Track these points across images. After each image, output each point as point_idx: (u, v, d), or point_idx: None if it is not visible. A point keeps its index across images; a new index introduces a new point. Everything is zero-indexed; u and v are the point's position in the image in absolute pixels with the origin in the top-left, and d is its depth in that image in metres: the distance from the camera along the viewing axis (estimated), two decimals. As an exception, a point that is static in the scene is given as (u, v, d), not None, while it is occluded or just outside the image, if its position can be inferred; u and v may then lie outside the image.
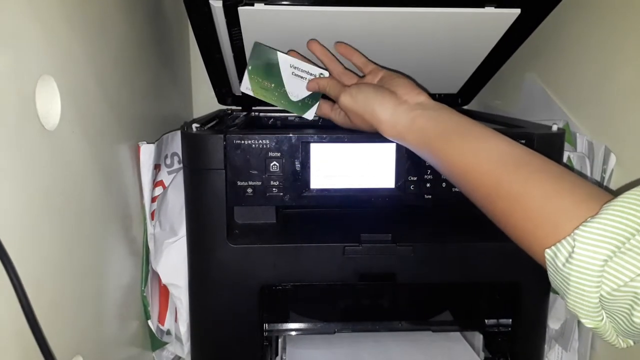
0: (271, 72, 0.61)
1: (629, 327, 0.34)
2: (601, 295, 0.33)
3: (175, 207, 0.61)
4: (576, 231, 0.34)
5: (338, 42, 0.62)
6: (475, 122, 0.46)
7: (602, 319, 0.35)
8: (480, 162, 0.43)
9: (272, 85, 0.61)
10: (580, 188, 0.38)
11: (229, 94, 0.81)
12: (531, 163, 0.41)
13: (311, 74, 0.60)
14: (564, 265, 0.34)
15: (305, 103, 0.61)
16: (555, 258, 0.35)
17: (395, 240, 0.55)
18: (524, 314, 0.59)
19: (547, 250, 0.36)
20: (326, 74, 0.60)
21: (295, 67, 0.60)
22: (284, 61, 0.60)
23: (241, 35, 0.63)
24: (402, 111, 0.49)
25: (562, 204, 0.37)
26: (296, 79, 0.61)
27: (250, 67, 0.61)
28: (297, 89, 0.61)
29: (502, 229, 0.42)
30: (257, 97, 0.61)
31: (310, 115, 0.62)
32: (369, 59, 0.60)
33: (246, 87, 0.61)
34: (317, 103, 0.61)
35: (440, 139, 0.46)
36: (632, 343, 0.36)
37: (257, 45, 0.61)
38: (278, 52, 0.60)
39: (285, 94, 0.61)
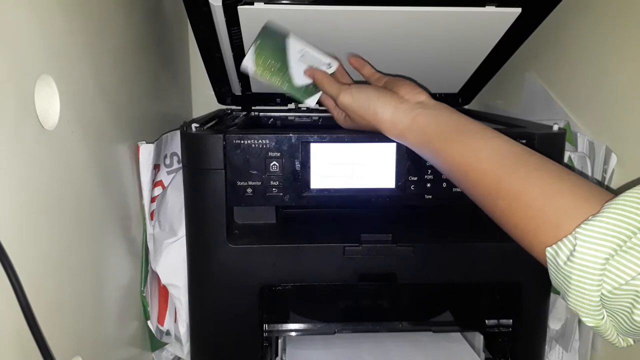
0: (279, 52, 0.58)
1: (630, 326, 0.33)
2: (602, 293, 0.33)
3: (174, 207, 0.61)
4: (577, 229, 0.34)
5: (351, 54, 0.62)
6: (476, 121, 0.46)
7: (603, 317, 0.35)
8: (481, 161, 0.43)
9: (278, 66, 0.58)
10: (581, 187, 0.37)
11: (229, 93, 0.81)
12: (531, 162, 0.41)
13: (320, 61, 0.59)
14: (565, 263, 0.34)
15: (308, 89, 0.59)
16: (556, 256, 0.35)
17: (395, 240, 0.55)
18: (525, 314, 0.59)
19: (548, 249, 0.36)
20: (335, 64, 0.59)
21: (304, 52, 0.59)
22: (294, 44, 0.58)
23: (241, 35, 0.63)
24: (402, 110, 0.49)
25: (563, 202, 0.37)
26: (303, 65, 0.59)
27: (257, 43, 0.58)
28: (302, 74, 0.59)
29: (502, 228, 0.42)
30: (258, 76, 0.58)
31: (312, 102, 0.59)
32: (377, 70, 0.60)
33: (248, 64, 0.58)
34: (321, 92, 0.59)
35: (441, 138, 0.46)
36: (632, 342, 0.36)
37: (269, 24, 0.58)
38: (290, 34, 0.58)
39: (289, 78, 0.59)
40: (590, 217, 0.34)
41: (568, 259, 0.34)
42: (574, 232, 0.34)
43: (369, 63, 0.61)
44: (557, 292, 0.64)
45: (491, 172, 0.42)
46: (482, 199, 0.43)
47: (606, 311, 0.35)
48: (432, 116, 0.47)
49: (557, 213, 0.37)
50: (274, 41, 0.59)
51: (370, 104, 0.51)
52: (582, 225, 0.34)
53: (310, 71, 0.59)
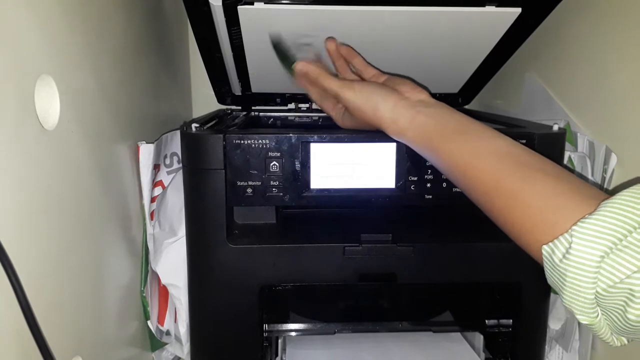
0: (286, 54, 0.61)
1: (623, 325, 0.34)
2: (597, 291, 0.33)
3: (174, 207, 0.61)
4: (574, 227, 0.34)
5: (342, 43, 0.62)
6: (476, 121, 0.46)
7: (597, 315, 0.35)
8: (481, 159, 0.43)
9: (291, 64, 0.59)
10: (579, 188, 0.38)
11: (229, 93, 0.81)
12: (531, 162, 0.41)
13: (299, 46, 0.60)
14: (560, 261, 0.34)
15: None
16: (552, 254, 0.35)
17: (395, 240, 0.55)
18: (525, 314, 0.59)
19: (545, 247, 0.36)
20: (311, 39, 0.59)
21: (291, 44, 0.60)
22: (284, 43, 0.61)
23: (241, 35, 0.63)
24: (403, 107, 0.49)
25: (561, 202, 0.37)
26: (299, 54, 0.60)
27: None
28: None
29: (500, 227, 0.42)
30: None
31: None
32: (369, 63, 0.60)
33: None
34: None
35: (440, 136, 0.46)
36: (625, 341, 0.36)
37: (270, 34, 0.60)
38: (278, 35, 0.60)
39: None
40: (586, 216, 0.34)
41: (564, 256, 0.34)
42: (570, 230, 0.34)
43: (360, 55, 0.61)
44: (556, 292, 0.64)
45: (491, 170, 0.42)
46: (480, 197, 0.43)
47: (600, 309, 0.35)
48: (432, 114, 0.47)
49: (555, 212, 0.37)
50: (278, 47, 0.60)
51: (372, 99, 0.50)
52: (578, 224, 0.34)
53: (303, 66, 0.55)
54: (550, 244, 0.36)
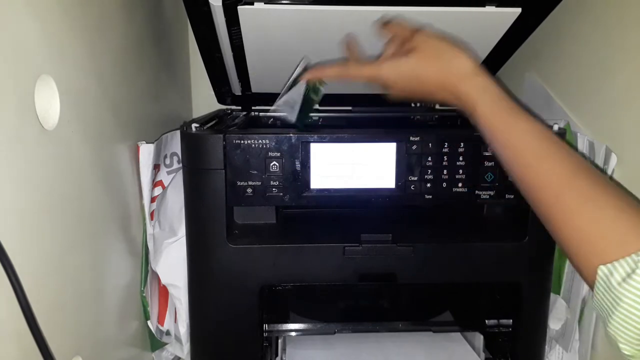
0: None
1: None
2: None
3: (174, 207, 0.61)
4: None
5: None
6: None
7: None
8: (552, 160, 0.41)
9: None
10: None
11: (229, 93, 0.81)
12: (598, 180, 0.39)
13: (295, 76, 0.58)
14: (619, 284, 0.33)
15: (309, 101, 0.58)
16: (610, 276, 0.34)
17: (395, 240, 0.55)
18: (525, 314, 0.59)
19: (602, 267, 0.34)
20: (303, 62, 0.57)
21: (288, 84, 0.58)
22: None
23: (241, 35, 0.63)
24: (483, 71, 0.47)
25: (630, 223, 0.35)
26: (295, 88, 0.58)
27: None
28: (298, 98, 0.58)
29: (548, 230, 0.40)
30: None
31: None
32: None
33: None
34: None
35: (524, 113, 0.44)
36: None
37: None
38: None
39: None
40: None
41: (623, 280, 0.32)
42: (637, 254, 0.32)
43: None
44: (557, 292, 0.64)
45: (559, 174, 0.40)
46: (539, 196, 0.41)
47: None
48: (500, 95, 0.46)
49: (622, 232, 0.35)
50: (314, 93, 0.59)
51: (454, 47, 0.49)
52: None
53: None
54: (609, 265, 0.34)
